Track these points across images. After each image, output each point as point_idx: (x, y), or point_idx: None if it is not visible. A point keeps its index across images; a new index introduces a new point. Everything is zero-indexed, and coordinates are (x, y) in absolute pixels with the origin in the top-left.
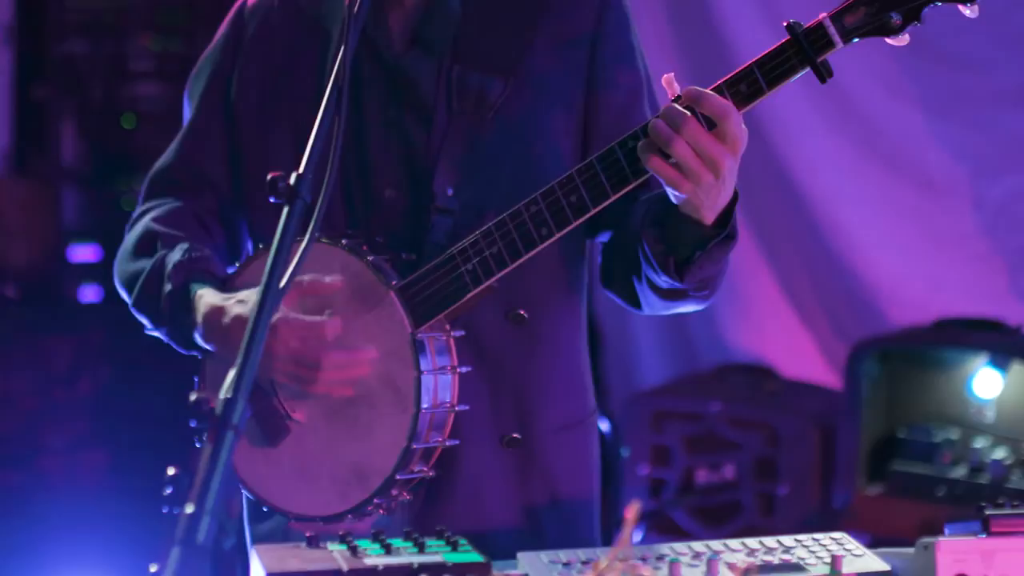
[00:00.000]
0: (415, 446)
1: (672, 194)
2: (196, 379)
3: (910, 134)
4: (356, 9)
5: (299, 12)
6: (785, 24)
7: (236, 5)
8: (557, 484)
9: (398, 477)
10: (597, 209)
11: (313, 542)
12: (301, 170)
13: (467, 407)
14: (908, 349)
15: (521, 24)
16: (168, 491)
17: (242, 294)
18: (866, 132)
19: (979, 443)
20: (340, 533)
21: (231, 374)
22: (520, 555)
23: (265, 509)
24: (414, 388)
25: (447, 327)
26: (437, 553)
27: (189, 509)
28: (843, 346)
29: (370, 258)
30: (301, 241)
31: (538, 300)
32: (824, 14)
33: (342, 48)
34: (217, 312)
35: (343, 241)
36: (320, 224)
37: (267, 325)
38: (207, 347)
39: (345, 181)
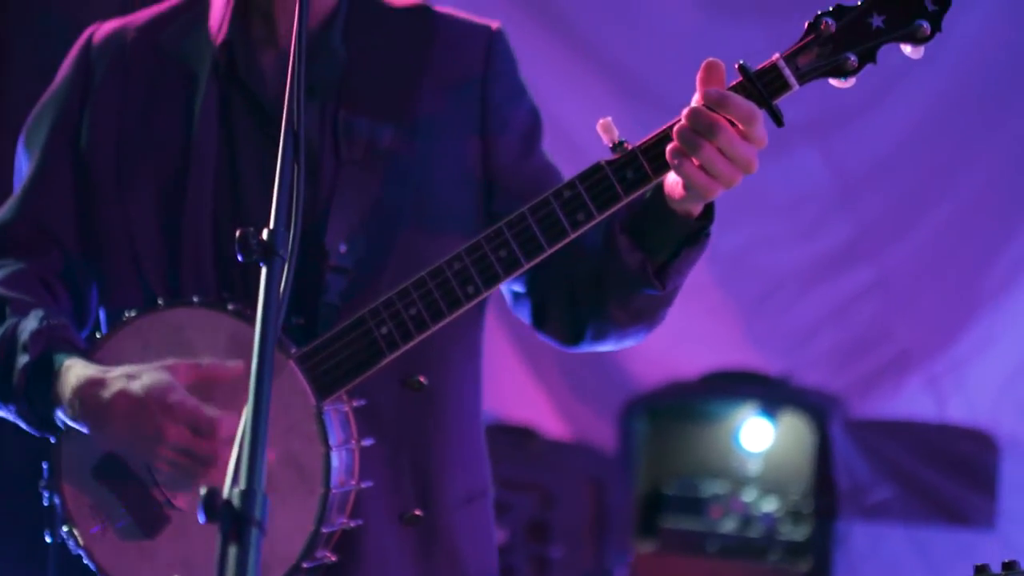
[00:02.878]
0: (324, 530)
1: (688, 198)
2: (46, 465)
3: None
4: (299, 40)
5: (157, 50)
6: (737, 65)
7: (80, 42)
8: (463, 563)
9: (305, 565)
10: (530, 264)
11: None
12: (272, 224)
13: (371, 483)
14: (676, 404)
15: (408, 66)
16: None
17: (125, 367)
18: None
19: (747, 496)
20: None
21: (232, 462)
22: None
23: None
24: (322, 466)
25: (345, 397)
26: None
27: None
28: (581, 405)
29: None
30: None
31: (437, 363)
32: (777, 55)
33: (289, 85)
34: (94, 385)
35: (229, 306)
36: (288, 286)
37: (266, 406)
38: (74, 426)
39: (217, 238)
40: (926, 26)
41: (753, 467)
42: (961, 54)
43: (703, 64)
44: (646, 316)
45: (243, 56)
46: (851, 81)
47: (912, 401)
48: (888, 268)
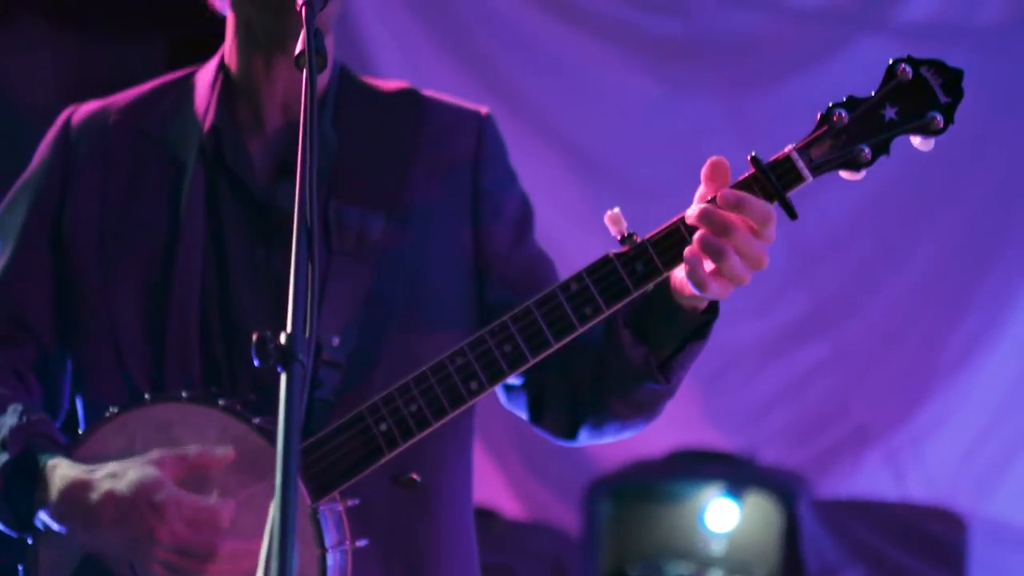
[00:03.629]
0: None
1: (698, 294)
2: (21, 569)
3: None
4: (308, 135)
5: (141, 135)
6: (749, 157)
7: (58, 124)
8: None
9: None
10: (536, 360)
11: None
12: (290, 328)
13: None
14: (640, 484)
15: (398, 152)
16: None
17: (110, 466)
18: None
19: None
20: None
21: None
22: None
23: None
24: (317, 569)
25: (339, 496)
26: None
27: None
28: (543, 485)
29: (255, 420)
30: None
31: (430, 461)
32: (790, 146)
33: (300, 179)
34: (80, 488)
35: (220, 402)
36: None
37: (292, 513)
38: (56, 528)
39: (205, 327)
40: (939, 118)
41: (718, 548)
42: None
43: (708, 162)
44: (647, 409)
45: (230, 142)
46: (862, 174)
47: (871, 476)
48: (844, 342)
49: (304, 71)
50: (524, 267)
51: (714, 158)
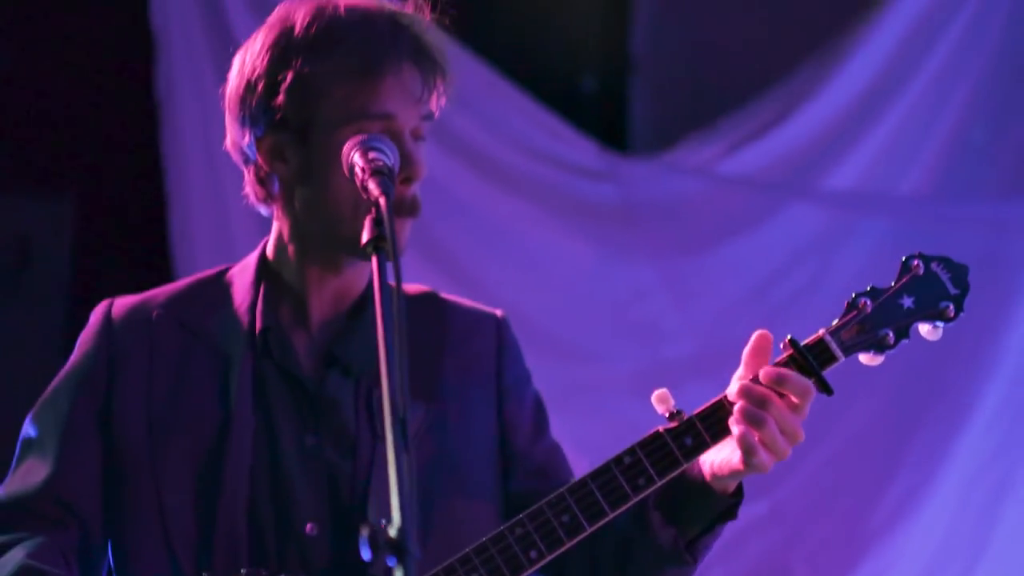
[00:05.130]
0: None
1: (737, 470)
2: None
3: None
4: (388, 327)
5: (185, 329)
6: (786, 340)
7: (98, 318)
8: None
9: None
10: (593, 528)
11: None
12: (399, 522)
13: None
14: None
15: (430, 349)
16: None
17: None
18: None
19: None
20: None
21: None
22: None
23: None
24: None
25: None
26: None
27: None
28: None
29: None
30: None
31: None
32: (823, 330)
33: (387, 375)
34: None
35: None
36: None
37: None
38: None
39: (254, 514)
40: (951, 307)
41: None
42: (846, 287)
43: (754, 338)
44: None
45: (276, 339)
46: (882, 358)
47: None
48: (780, 502)
49: (374, 259)
50: (544, 459)
51: (760, 333)
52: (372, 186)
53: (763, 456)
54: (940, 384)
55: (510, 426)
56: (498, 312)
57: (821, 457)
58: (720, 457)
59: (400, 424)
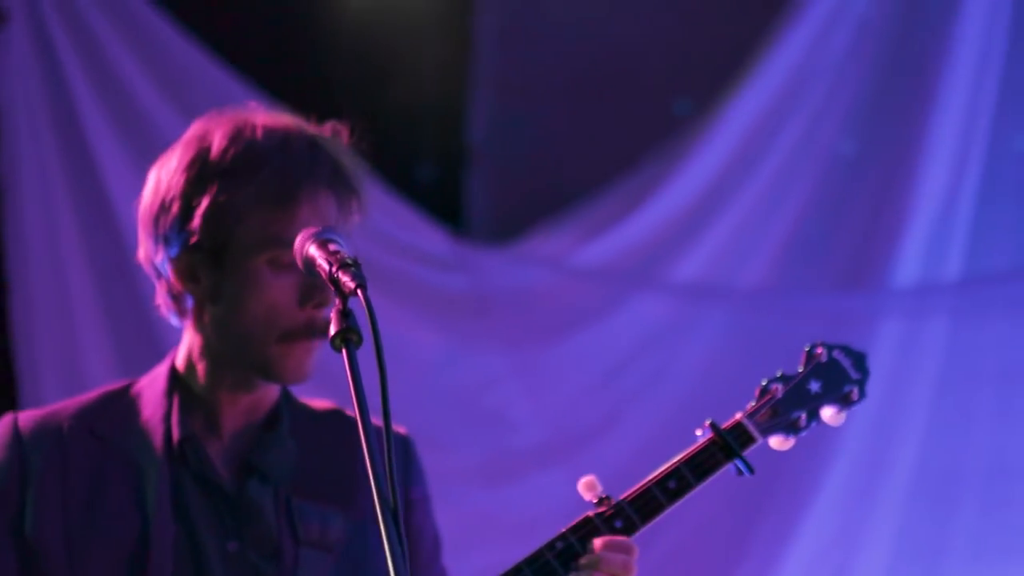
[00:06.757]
0: None
1: None
2: None
3: None
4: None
5: (98, 440)
6: (707, 423)
7: (4, 433)
8: None
9: None
10: None
11: None
12: None
13: None
14: None
15: (344, 462)
16: None
17: None
18: None
19: None
20: None
21: None
22: None
23: None
24: None
25: None
26: None
27: None
28: None
29: None
30: None
31: None
32: (740, 414)
33: (371, 468)
34: None
35: None
36: None
37: None
38: None
39: None
40: (855, 391)
41: None
42: (692, 375)
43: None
44: None
45: (192, 449)
46: (793, 440)
47: None
48: None
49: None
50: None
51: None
52: (346, 279)
53: None
54: (785, 467)
55: (416, 538)
56: (401, 430)
57: (669, 544)
58: None
59: (392, 515)
